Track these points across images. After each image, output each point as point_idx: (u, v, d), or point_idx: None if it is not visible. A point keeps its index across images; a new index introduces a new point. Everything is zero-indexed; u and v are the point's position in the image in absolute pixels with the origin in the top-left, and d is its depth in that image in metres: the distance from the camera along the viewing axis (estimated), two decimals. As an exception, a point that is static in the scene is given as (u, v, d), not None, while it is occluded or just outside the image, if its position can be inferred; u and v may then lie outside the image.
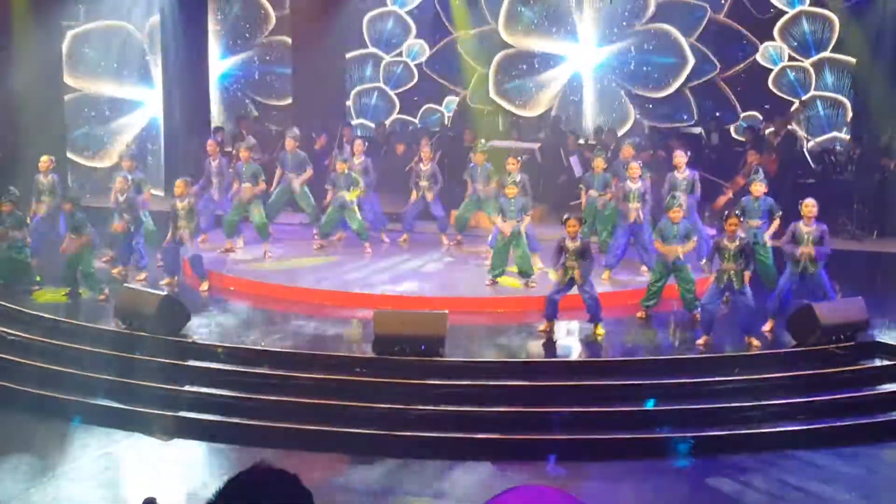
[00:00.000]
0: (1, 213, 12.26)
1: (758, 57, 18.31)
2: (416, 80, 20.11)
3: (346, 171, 14.04)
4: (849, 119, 17.87)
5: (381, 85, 20.27)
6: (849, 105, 17.89)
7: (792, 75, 18.21)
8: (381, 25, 20.19)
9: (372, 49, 20.22)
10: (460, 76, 19.68)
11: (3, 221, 12.26)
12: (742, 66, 18.44)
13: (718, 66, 18.44)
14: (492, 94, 19.42)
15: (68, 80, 18.71)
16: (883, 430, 9.37)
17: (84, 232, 11.93)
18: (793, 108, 17.67)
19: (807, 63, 18.08)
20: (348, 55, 20.04)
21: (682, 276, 11.05)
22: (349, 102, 20.24)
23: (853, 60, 17.60)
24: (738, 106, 18.39)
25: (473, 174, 14.15)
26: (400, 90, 20.23)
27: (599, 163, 13.48)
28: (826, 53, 18.00)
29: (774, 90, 18.31)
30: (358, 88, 20.36)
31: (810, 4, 18.01)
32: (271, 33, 20.50)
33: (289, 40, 19.61)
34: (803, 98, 17.87)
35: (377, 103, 20.33)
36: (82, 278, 12.04)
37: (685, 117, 18.56)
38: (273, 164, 15.35)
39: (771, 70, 18.30)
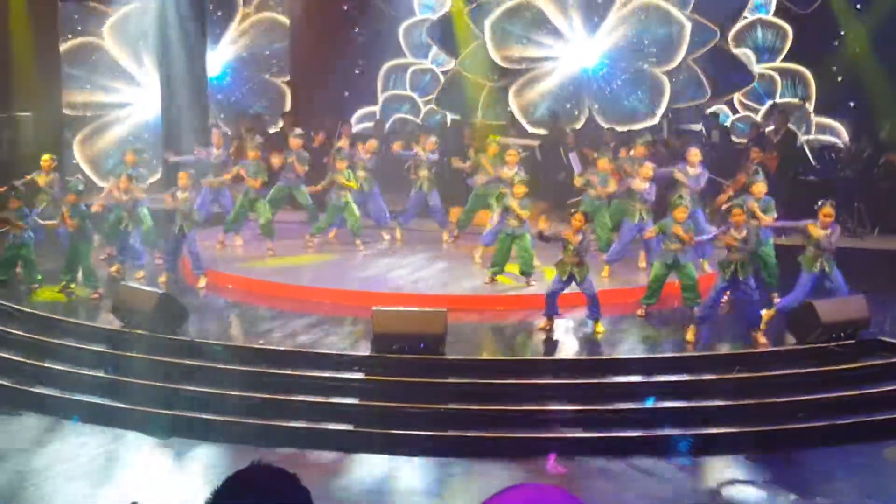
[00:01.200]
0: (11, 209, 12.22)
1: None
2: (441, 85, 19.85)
3: (346, 170, 14.01)
4: (813, 123, 17.88)
5: (409, 93, 20.01)
6: (811, 110, 17.91)
7: (755, 83, 18.21)
8: (417, 33, 19.80)
9: (411, 59, 19.90)
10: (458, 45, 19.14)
11: (10, 218, 12.19)
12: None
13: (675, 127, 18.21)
14: (486, 21, 18.58)
15: (108, 39, 19.06)
16: (884, 428, 9.33)
17: (76, 218, 11.87)
18: (773, 105, 17.73)
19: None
20: (388, 65, 19.83)
21: (684, 274, 10.99)
22: (375, 108, 20.06)
23: (806, 70, 17.81)
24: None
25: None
26: (427, 98, 19.95)
27: (604, 163, 13.14)
28: (778, 63, 18.05)
29: (741, 98, 18.30)
30: (386, 95, 20.10)
31: (774, 14, 18.05)
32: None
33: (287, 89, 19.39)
34: (797, 98, 17.91)
35: (408, 109, 20.07)
36: (82, 274, 12.02)
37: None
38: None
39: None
